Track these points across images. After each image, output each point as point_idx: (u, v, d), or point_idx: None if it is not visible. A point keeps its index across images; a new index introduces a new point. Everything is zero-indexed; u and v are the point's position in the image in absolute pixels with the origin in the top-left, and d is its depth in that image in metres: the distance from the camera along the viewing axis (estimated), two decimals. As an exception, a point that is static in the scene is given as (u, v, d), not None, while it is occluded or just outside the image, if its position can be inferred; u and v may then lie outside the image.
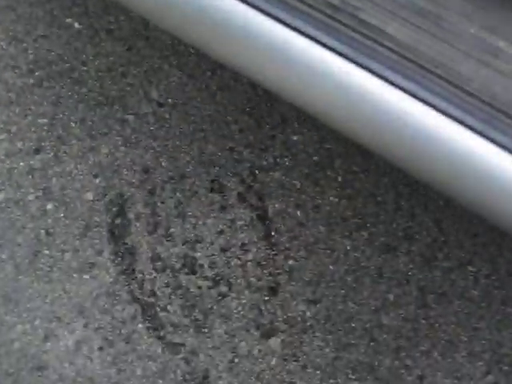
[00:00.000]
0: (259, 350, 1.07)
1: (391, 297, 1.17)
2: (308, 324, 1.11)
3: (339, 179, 1.26)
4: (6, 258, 1.09)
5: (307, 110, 0.74)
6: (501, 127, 0.57)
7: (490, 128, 0.57)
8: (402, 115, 0.60)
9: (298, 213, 1.21)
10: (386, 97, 0.60)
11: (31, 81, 1.30)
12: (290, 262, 1.16)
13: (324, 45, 0.67)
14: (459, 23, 0.68)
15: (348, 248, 1.20)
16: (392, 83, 0.63)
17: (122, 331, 1.04)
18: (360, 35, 0.66)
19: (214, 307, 1.09)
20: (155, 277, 1.10)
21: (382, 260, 1.18)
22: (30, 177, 1.18)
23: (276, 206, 1.20)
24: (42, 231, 1.12)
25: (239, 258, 1.14)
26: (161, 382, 1.01)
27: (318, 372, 1.09)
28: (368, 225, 1.21)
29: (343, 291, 1.15)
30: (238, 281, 1.12)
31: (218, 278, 1.12)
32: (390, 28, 0.69)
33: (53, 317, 1.05)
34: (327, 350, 1.10)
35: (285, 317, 1.10)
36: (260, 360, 1.06)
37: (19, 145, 1.22)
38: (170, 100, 1.30)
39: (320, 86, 0.66)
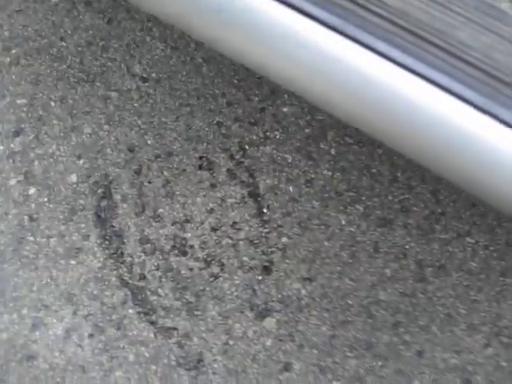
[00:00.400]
0: (254, 332, 1.05)
1: (388, 272, 1.14)
2: (303, 302, 1.08)
3: (332, 152, 1.21)
4: None
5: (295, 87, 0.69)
6: (506, 102, 0.53)
7: (493, 103, 0.53)
8: (396, 91, 0.56)
9: (291, 188, 1.17)
10: (377, 71, 0.55)
11: (7, 59, 1.24)
12: (284, 239, 1.13)
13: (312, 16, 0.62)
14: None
15: (343, 223, 1.16)
16: (383, 55, 0.58)
17: (113, 317, 1.01)
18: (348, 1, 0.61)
19: (207, 289, 1.06)
20: (144, 260, 1.07)
21: (379, 234, 1.15)
22: (11, 161, 1.13)
23: (267, 181, 1.16)
24: (26, 217, 1.08)
25: (231, 237, 1.11)
26: (154, 367, 0.99)
27: (315, 351, 1.07)
28: (363, 198, 1.18)
29: (339, 267, 1.13)
30: (230, 261, 1.08)
31: (209, 259, 1.09)
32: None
33: (40, 305, 1.02)
34: (324, 328, 1.07)
35: (279, 296, 1.08)
36: (255, 341, 1.04)
37: None
38: (153, 74, 1.25)
39: (306, 58, 0.61)
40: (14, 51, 1.24)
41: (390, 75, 0.56)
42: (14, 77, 1.21)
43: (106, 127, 1.18)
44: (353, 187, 1.16)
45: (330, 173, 1.17)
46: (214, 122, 1.20)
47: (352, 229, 1.15)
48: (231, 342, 1.02)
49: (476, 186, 0.58)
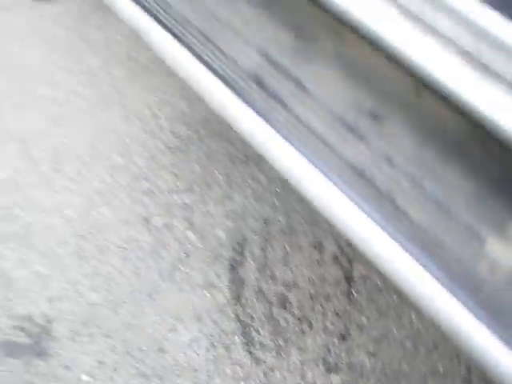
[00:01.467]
0: (322, 382, 1.33)
1: (441, 368, 1.37)
2: (365, 371, 1.35)
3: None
4: (153, 267, 1.47)
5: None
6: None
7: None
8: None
9: (378, 281, 1.46)
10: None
11: (196, 135, 1.69)
12: (363, 318, 1.41)
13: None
14: None
15: (413, 318, 1.42)
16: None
17: (225, 341, 1.36)
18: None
19: (294, 339, 1.37)
20: (255, 305, 1.41)
21: (440, 335, 1.39)
22: (182, 210, 1.55)
23: (361, 271, 1.46)
24: (182, 253, 1.49)
25: (322, 306, 1.42)
26: (242, 383, 1.32)
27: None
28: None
29: (401, 353, 1.38)
30: (318, 323, 1.39)
31: (302, 317, 1.40)
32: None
33: (178, 316, 1.40)
34: None
35: (347, 360, 1.35)
36: None
37: (178, 184, 1.60)
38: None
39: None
40: (203, 133, 1.69)
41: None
42: (194, 148, 1.66)
43: (251, 200, 1.57)
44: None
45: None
46: None
47: (419, 325, 1.40)
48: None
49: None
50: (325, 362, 1.37)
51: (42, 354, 1.37)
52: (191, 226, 1.55)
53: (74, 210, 1.57)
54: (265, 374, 1.35)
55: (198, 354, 1.37)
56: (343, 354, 1.37)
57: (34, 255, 1.49)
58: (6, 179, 1.61)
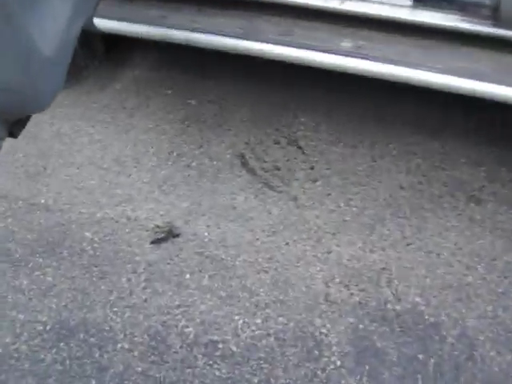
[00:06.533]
0: (310, 187, 2.46)
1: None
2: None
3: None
4: (205, 180, 2.49)
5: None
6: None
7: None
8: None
9: (312, 143, 2.65)
10: None
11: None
12: (316, 158, 2.60)
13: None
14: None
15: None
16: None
17: (260, 191, 2.43)
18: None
19: (291, 178, 2.49)
20: (265, 174, 2.51)
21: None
22: (201, 149, 2.62)
23: (302, 142, 2.65)
24: (215, 170, 2.54)
25: (294, 162, 2.57)
26: (280, 202, 2.37)
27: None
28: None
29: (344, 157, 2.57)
30: (296, 169, 2.53)
31: (289, 169, 2.53)
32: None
33: (235, 190, 2.43)
34: None
35: (321, 174, 2.51)
36: (310, 191, 2.44)
37: (190, 139, 2.66)
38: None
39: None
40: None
41: None
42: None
43: (241, 131, 2.69)
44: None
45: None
46: (274, 127, 2.71)
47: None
48: (305, 190, 2.42)
49: None
50: (309, 179, 2.50)
51: (176, 235, 2.32)
52: (211, 159, 2.62)
53: (144, 177, 2.55)
54: (287, 194, 2.43)
55: (251, 201, 2.42)
56: (316, 174, 2.52)
57: (140, 203, 2.44)
58: (97, 183, 2.52)
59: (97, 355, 2.03)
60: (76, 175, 2.66)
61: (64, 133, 2.89)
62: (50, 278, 2.25)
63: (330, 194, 2.51)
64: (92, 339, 2.07)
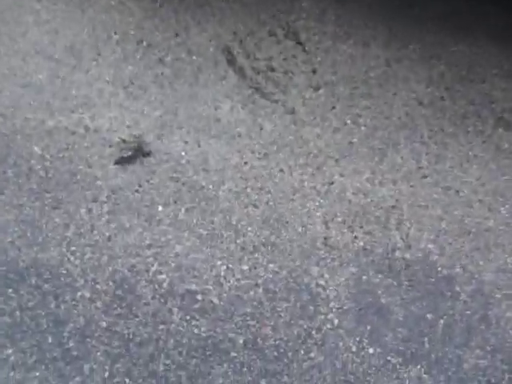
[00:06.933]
0: (314, 95, 2.05)
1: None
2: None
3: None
4: (183, 83, 2.05)
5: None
6: None
7: None
8: None
9: (316, 37, 2.18)
10: None
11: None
12: (318, 58, 2.15)
13: None
14: None
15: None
16: None
17: (249, 100, 2.01)
18: None
19: (288, 83, 2.07)
20: (256, 76, 2.04)
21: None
22: (178, 47, 2.13)
23: (304, 36, 2.18)
24: (195, 68, 2.08)
25: (293, 61, 2.12)
26: (274, 115, 1.98)
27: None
28: None
29: (352, 62, 2.13)
30: (296, 70, 2.09)
31: (286, 71, 2.11)
32: None
33: (216, 100, 2.02)
34: None
35: (323, 81, 2.08)
36: (315, 99, 2.04)
37: (167, 34, 2.16)
38: None
39: None
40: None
41: None
42: (165, 11, 2.21)
43: (218, 25, 2.18)
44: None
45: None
46: (271, 15, 2.20)
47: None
48: (306, 101, 2.02)
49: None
50: (311, 86, 2.09)
51: (146, 154, 1.92)
52: (190, 53, 2.13)
53: (108, 75, 2.06)
54: (283, 105, 2.04)
55: (239, 113, 2.02)
56: (319, 79, 2.09)
57: (100, 109, 1.98)
58: (46, 77, 2.04)
59: (52, 306, 1.71)
60: (20, 68, 2.11)
61: (2, 9, 2.32)
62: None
63: (334, 108, 2.09)
64: (46, 285, 1.74)
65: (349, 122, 2.03)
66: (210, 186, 1.90)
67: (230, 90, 2.08)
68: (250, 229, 1.83)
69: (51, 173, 1.90)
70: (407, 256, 1.82)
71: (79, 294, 1.71)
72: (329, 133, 2.01)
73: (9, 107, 2.03)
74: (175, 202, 1.86)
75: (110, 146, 1.96)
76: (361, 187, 1.92)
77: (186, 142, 1.98)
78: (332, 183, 1.91)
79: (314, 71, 2.13)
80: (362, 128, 2.02)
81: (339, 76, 2.13)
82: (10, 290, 1.73)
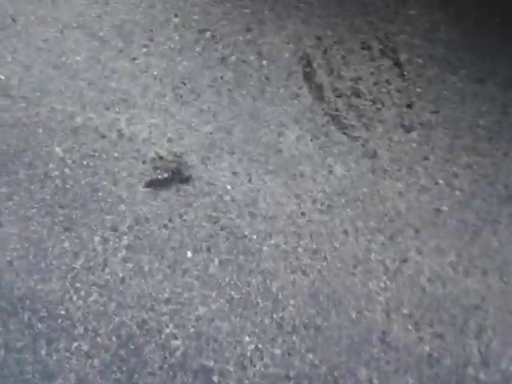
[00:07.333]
0: (404, 139, 1.65)
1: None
2: (433, 126, 1.68)
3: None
4: (245, 94, 1.70)
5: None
6: None
7: None
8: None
9: (419, 60, 1.76)
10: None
11: None
12: (417, 89, 1.72)
13: None
14: None
15: (455, 80, 1.75)
16: None
17: (322, 131, 1.64)
18: None
19: (374, 116, 1.67)
20: (336, 100, 1.69)
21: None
22: (248, 45, 1.75)
23: (405, 56, 1.75)
24: (263, 77, 1.72)
25: (386, 88, 1.72)
26: (349, 156, 1.61)
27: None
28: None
29: (459, 104, 1.71)
30: (387, 101, 1.69)
31: (374, 100, 1.70)
32: None
33: (280, 123, 1.65)
34: (446, 138, 1.68)
35: (418, 121, 1.68)
36: (405, 144, 1.64)
37: (236, 27, 1.78)
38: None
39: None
40: None
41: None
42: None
43: (301, 25, 1.79)
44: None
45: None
46: (368, 20, 1.79)
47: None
48: (392, 144, 1.63)
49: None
50: (402, 125, 1.68)
51: (185, 180, 1.60)
52: (260, 55, 1.76)
53: (158, 69, 1.74)
54: (362, 145, 1.66)
55: (307, 146, 1.65)
56: (413, 117, 1.69)
57: (141, 112, 1.68)
58: (85, 59, 1.74)
59: (43, 352, 1.41)
60: (56, 42, 1.74)
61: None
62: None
63: (426, 159, 1.63)
64: (40, 326, 1.45)
65: (441, 181, 1.64)
66: (254, 237, 1.57)
67: (300, 114, 1.70)
68: (292, 302, 1.50)
69: (69, 183, 1.61)
70: (481, 376, 1.46)
71: (75, 344, 1.44)
72: (414, 192, 1.62)
73: (35, 90, 1.72)
74: (208, 250, 1.55)
75: (144, 162, 1.64)
76: (440, 272, 1.55)
77: (235, 174, 1.63)
78: (405, 260, 1.55)
79: (410, 105, 1.72)
80: (457, 193, 1.62)
81: (440, 117, 1.71)
82: (-2, 322, 1.49)
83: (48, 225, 1.53)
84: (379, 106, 1.70)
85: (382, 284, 1.52)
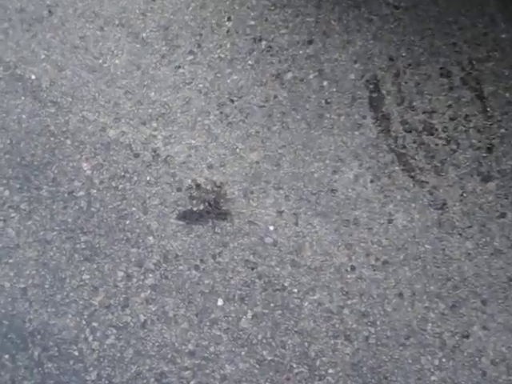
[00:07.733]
0: (480, 190, 1.43)
1: None
2: None
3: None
4: (300, 119, 1.49)
5: None
6: None
7: None
8: None
9: (507, 94, 1.51)
10: None
11: (299, -13, 1.63)
12: (502, 130, 1.48)
13: None
14: None
15: None
16: None
17: (385, 171, 1.44)
18: None
19: (448, 159, 1.45)
20: (405, 135, 1.47)
21: None
22: (308, 61, 1.54)
23: (490, 88, 1.51)
24: (323, 101, 1.50)
25: (463, 125, 1.48)
26: (413, 205, 1.41)
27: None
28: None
29: None
30: (464, 141, 1.46)
31: (449, 139, 1.47)
32: None
33: (337, 158, 1.45)
34: None
35: (498, 168, 1.45)
36: (481, 196, 1.43)
37: (296, 38, 1.57)
38: (402, 4, 1.60)
39: None
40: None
41: None
42: (302, 1, 1.60)
43: (371, 42, 1.56)
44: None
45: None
46: (450, 42, 1.54)
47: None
48: (465, 195, 1.42)
49: None
50: (479, 173, 1.45)
51: (223, 215, 1.44)
52: (322, 74, 1.55)
53: (203, 81, 1.56)
54: (430, 192, 1.45)
55: (365, 187, 1.45)
56: (493, 164, 1.46)
57: (181, 130, 1.51)
58: (124, 63, 1.57)
59: (49, 397, 1.36)
60: (94, 41, 1.54)
61: None
62: (12, 232, 1.39)
63: (503, 216, 1.43)
64: (50, 365, 1.32)
65: (520, 248, 1.42)
66: (295, 290, 1.38)
67: (361, 148, 1.48)
68: (331, 371, 1.33)
69: (95, 206, 1.46)
70: None
71: (86, 392, 1.34)
72: (485, 254, 1.40)
73: (67, 95, 1.56)
74: (241, 300, 1.38)
75: (179, 190, 1.47)
76: (506, 355, 1.33)
77: (280, 213, 1.44)
78: (466, 336, 1.34)
79: (490, 149, 1.49)
80: (537, 262, 1.41)
81: (525, 167, 1.49)
82: (7, 357, 1.34)
83: (68, 252, 1.39)
84: (454, 146, 1.48)
85: (436, 361, 1.33)
